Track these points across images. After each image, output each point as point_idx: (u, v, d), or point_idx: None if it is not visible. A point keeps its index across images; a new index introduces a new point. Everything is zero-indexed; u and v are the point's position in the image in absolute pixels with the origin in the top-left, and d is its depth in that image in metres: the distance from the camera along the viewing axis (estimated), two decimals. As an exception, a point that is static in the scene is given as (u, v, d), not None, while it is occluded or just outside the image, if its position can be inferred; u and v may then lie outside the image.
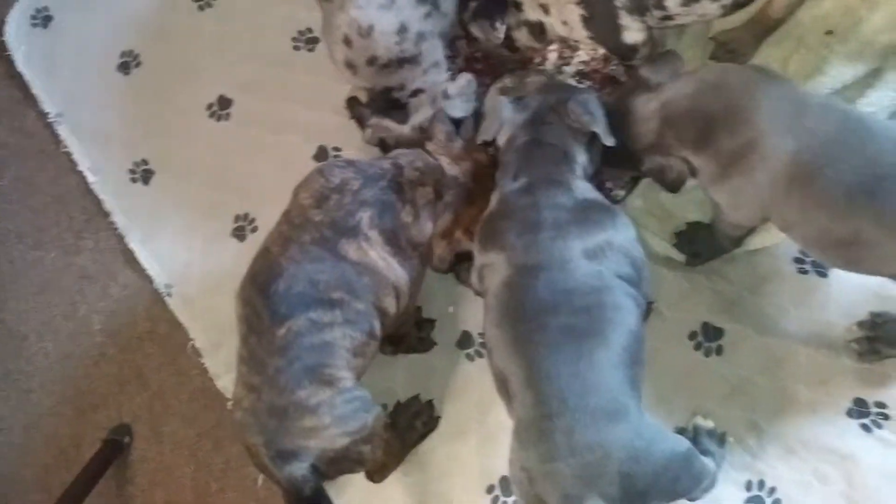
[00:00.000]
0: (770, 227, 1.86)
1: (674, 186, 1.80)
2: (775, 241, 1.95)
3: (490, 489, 1.98)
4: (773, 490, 1.85)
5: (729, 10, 1.83)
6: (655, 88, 1.77)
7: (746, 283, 1.99)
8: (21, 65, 2.67)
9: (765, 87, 1.67)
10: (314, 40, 2.44)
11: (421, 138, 2.02)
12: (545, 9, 1.91)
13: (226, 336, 2.16)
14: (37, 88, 2.64)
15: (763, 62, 2.02)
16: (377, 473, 1.92)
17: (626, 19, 1.84)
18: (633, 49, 1.90)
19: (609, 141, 1.75)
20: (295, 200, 1.87)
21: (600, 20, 1.86)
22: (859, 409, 1.86)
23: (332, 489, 1.83)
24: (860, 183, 1.54)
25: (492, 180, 1.84)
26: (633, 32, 1.87)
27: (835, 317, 1.92)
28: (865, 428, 1.85)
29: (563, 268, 1.60)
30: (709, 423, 1.87)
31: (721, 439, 1.86)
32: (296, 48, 2.47)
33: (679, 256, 2.03)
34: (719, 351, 1.97)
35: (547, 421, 1.49)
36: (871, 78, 1.97)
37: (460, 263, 1.93)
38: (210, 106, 2.49)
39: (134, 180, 2.48)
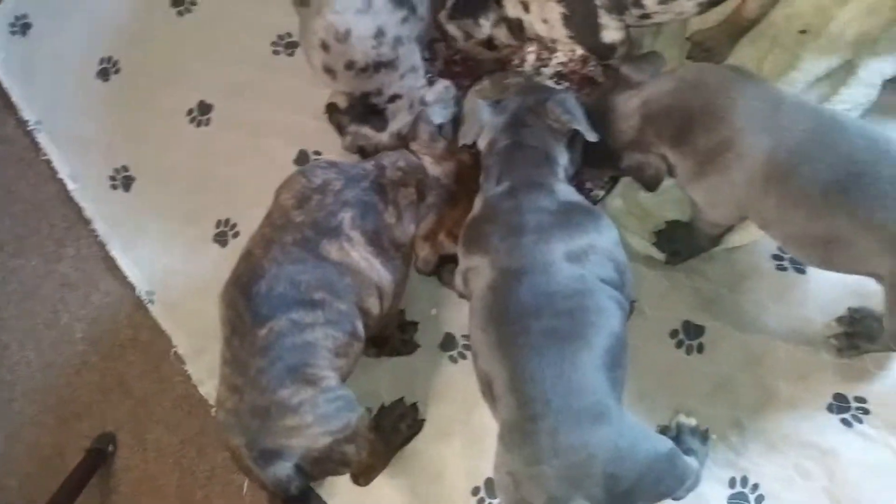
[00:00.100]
0: (748, 225, 1.87)
1: (652, 184, 1.80)
2: (754, 239, 1.95)
3: (475, 491, 1.97)
4: (756, 486, 1.84)
5: (704, 8, 1.84)
6: (636, 86, 1.77)
7: (726, 281, 1.99)
8: (0, 72, 2.64)
9: (741, 87, 1.68)
10: (294, 45, 2.42)
11: (399, 145, 2.01)
12: (525, 6, 1.90)
13: (209, 342, 2.15)
14: (16, 96, 2.61)
15: (739, 62, 2.02)
16: (363, 476, 1.90)
17: (605, 18, 1.84)
18: (611, 48, 1.89)
19: (592, 136, 1.75)
20: (277, 201, 1.86)
21: (580, 19, 1.85)
22: (839, 404, 1.86)
23: (319, 493, 1.82)
24: (835, 180, 1.55)
25: (475, 182, 1.83)
26: (611, 31, 1.87)
27: (813, 313, 1.92)
28: (846, 423, 1.84)
29: (546, 271, 1.60)
30: (691, 421, 1.86)
31: (704, 437, 1.85)
32: (275, 53, 2.45)
33: (659, 255, 2.02)
34: (700, 349, 1.96)
35: (531, 423, 1.48)
36: (845, 75, 1.98)
37: (443, 266, 1.92)
38: (190, 111, 2.46)
39: (114, 187, 2.46)
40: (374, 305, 1.84)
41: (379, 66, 1.96)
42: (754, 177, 1.62)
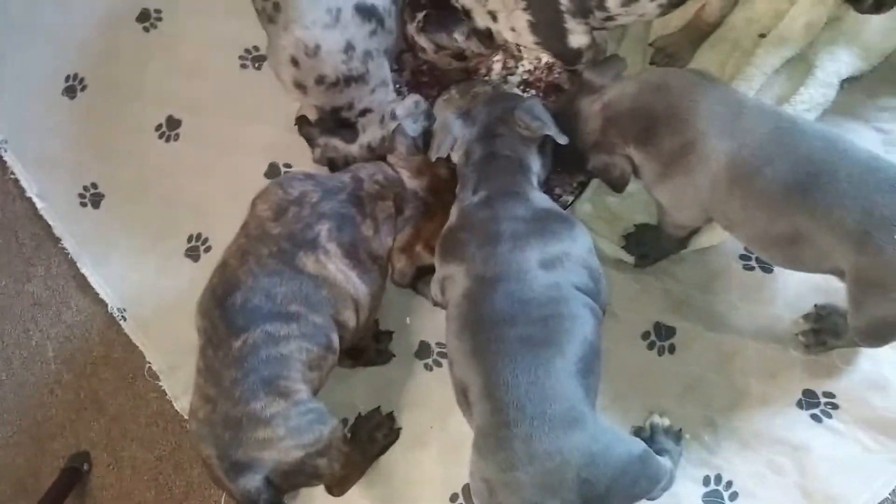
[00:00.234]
0: (715, 227, 1.87)
1: (618, 185, 1.81)
2: (721, 240, 1.96)
3: (454, 497, 1.96)
4: (730, 484, 1.85)
5: (666, 9, 1.84)
6: (599, 89, 1.78)
7: (695, 282, 1.99)
8: (-36, 93, 2.59)
9: (704, 90, 1.69)
10: (261, 58, 2.39)
11: (369, 157, 2.00)
12: (493, 16, 1.90)
13: (183, 357, 2.13)
14: (-19, 115, 2.57)
15: (701, 66, 2.03)
16: (337, 487, 1.89)
17: (570, 23, 1.84)
18: (578, 53, 1.89)
19: (562, 139, 1.75)
20: (253, 212, 1.84)
21: (546, 25, 1.85)
22: (808, 399, 1.87)
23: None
24: (796, 181, 1.57)
25: (451, 195, 1.82)
26: (577, 36, 1.87)
27: (781, 311, 1.93)
28: (815, 418, 1.85)
29: (521, 279, 1.59)
30: (665, 421, 1.86)
31: (677, 436, 1.85)
32: (243, 66, 2.42)
33: (629, 258, 2.02)
34: (672, 349, 1.96)
35: (505, 429, 1.47)
36: (803, 76, 1.99)
37: (420, 277, 1.91)
38: (159, 127, 2.43)
39: (84, 204, 2.42)
40: (350, 318, 1.82)
41: (349, 80, 1.95)
42: (718, 179, 1.63)
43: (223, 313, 1.72)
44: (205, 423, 1.70)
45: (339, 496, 1.90)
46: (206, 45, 2.47)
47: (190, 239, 2.31)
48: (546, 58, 2.13)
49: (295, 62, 1.93)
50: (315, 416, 1.73)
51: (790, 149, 1.60)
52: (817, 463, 1.82)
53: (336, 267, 1.78)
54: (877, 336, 1.68)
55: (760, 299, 1.95)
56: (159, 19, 2.54)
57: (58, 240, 2.41)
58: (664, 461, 1.65)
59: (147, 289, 2.30)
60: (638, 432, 1.86)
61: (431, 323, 2.08)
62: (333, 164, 2.07)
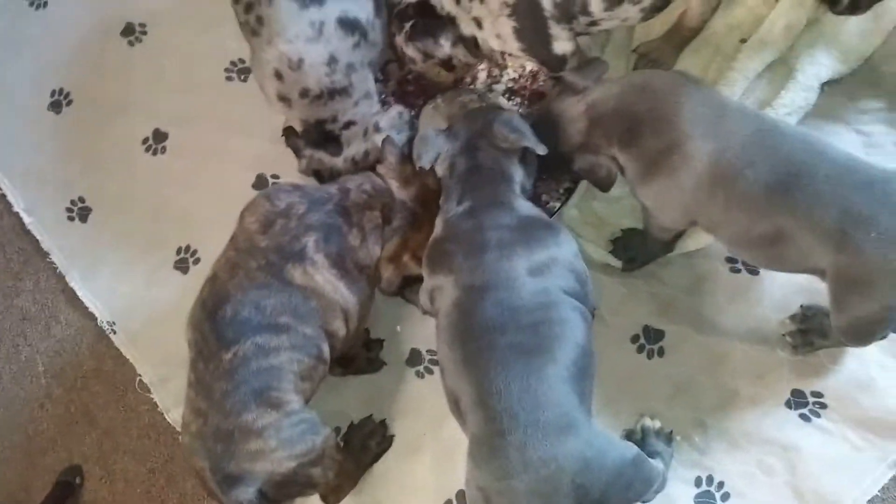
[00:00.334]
0: (701, 230, 1.86)
1: (604, 184, 1.81)
2: (708, 243, 1.95)
3: (447, 504, 1.94)
4: (721, 484, 1.84)
5: (648, 14, 1.84)
6: (581, 91, 1.78)
7: (683, 285, 1.99)
8: (-50, 109, 2.56)
9: (687, 91, 1.69)
10: (247, 70, 2.37)
11: (354, 171, 1.99)
12: (478, 23, 1.89)
13: (174, 369, 2.10)
14: (-33, 132, 2.54)
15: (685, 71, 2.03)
16: (331, 495, 1.87)
17: (555, 29, 1.83)
18: (562, 60, 1.89)
19: (541, 150, 1.75)
20: (241, 224, 1.82)
21: (531, 31, 1.84)
22: (797, 399, 1.86)
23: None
24: (777, 182, 1.57)
25: (439, 206, 1.81)
26: (562, 42, 1.86)
27: (768, 312, 1.93)
28: (804, 418, 1.85)
29: (510, 286, 1.58)
30: (656, 424, 1.86)
31: (668, 438, 1.84)
32: (229, 79, 2.40)
33: (616, 263, 2.02)
34: (661, 352, 1.96)
35: (499, 438, 1.46)
36: (784, 80, 1.99)
37: (407, 286, 1.89)
38: (145, 140, 2.41)
39: (71, 218, 2.39)
40: (339, 328, 1.81)
41: (333, 93, 1.94)
42: (701, 180, 1.63)
43: (213, 326, 1.70)
44: (197, 436, 1.69)
45: (334, 504, 1.88)
46: (191, 58, 2.45)
47: (179, 251, 2.29)
48: (530, 66, 2.13)
49: (279, 76, 1.92)
50: (307, 426, 1.71)
51: (771, 150, 1.60)
52: (807, 462, 1.81)
53: (324, 278, 1.76)
54: (860, 334, 1.68)
55: (747, 301, 1.94)
56: (144, 33, 2.52)
57: (46, 254, 2.39)
58: (656, 464, 1.64)
59: (136, 301, 2.27)
60: (629, 435, 1.85)
61: (422, 330, 2.06)
62: (319, 176, 2.05)
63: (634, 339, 1.98)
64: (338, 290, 1.78)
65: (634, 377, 1.94)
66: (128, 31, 2.53)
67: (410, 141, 2.04)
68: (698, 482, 1.85)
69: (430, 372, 2.04)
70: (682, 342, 1.95)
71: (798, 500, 1.80)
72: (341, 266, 1.79)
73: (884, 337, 1.75)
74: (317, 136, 2.02)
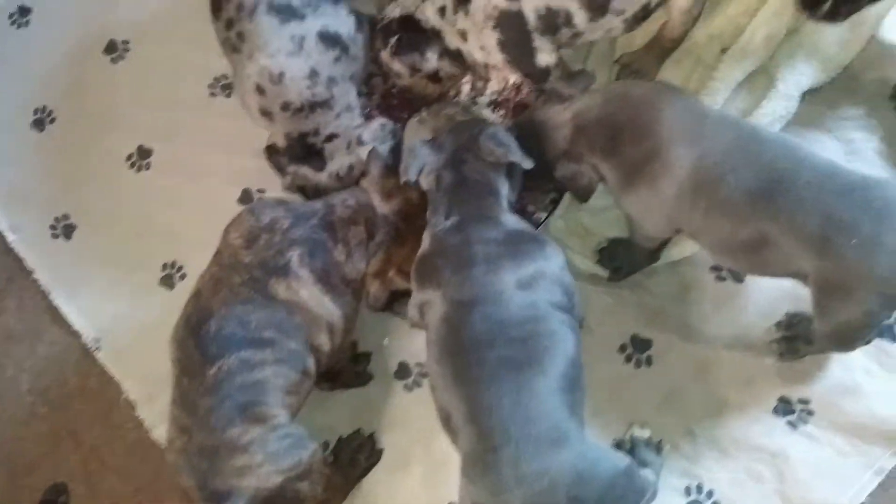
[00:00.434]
0: (686, 239, 1.87)
1: (584, 193, 1.81)
2: (693, 252, 1.94)
3: (437, 517, 1.91)
4: (711, 493, 1.82)
5: (631, 25, 1.84)
6: (567, 100, 1.79)
7: (669, 294, 1.98)
8: (-68, 127, 2.52)
9: (667, 100, 1.70)
10: (230, 86, 2.35)
11: (338, 186, 1.98)
12: (463, 35, 1.89)
13: (160, 386, 2.04)
14: (-51, 150, 2.50)
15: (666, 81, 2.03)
16: (321, 510, 1.84)
17: (538, 41, 1.83)
18: (546, 71, 1.88)
19: (527, 164, 1.74)
20: (225, 240, 1.80)
21: (515, 43, 1.84)
22: (784, 406, 1.85)
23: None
24: (759, 187, 1.57)
25: (423, 219, 1.79)
26: (545, 54, 1.86)
27: (754, 319, 1.92)
28: (792, 425, 1.84)
29: (498, 301, 1.56)
30: (645, 433, 1.84)
31: (658, 448, 1.83)
32: (212, 95, 2.38)
33: (602, 273, 2.01)
34: (649, 361, 1.94)
35: (492, 453, 1.44)
36: (766, 89, 1.99)
37: (394, 300, 1.87)
38: (130, 157, 2.38)
39: (55, 236, 2.36)
40: (324, 343, 1.79)
41: (314, 105, 1.93)
42: (683, 187, 1.63)
43: (197, 342, 1.68)
44: (182, 453, 1.66)
45: (322, 520, 1.84)
46: (174, 75, 2.43)
47: (164, 267, 2.26)
48: (514, 78, 2.12)
49: (260, 90, 1.91)
50: (294, 441, 1.69)
51: (753, 157, 1.60)
52: (795, 469, 1.80)
53: (308, 293, 1.74)
54: (844, 340, 1.68)
55: (733, 309, 1.94)
56: (127, 50, 2.50)
57: (30, 272, 2.35)
58: (648, 474, 1.63)
59: (122, 318, 2.24)
60: (619, 445, 1.84)
61: (410, 343, 2.04)
62: (303, 192, 2.03)
63: (622, 348, 1.96)
64: (322, 305, 1.76)
65: (623, 387, 1.92)
66: (110, 48, 2.51)
67: (393, 152, 2.04)
68: (688, 491, 1.83)
69: (419, 385, 2.01)
70: (669, 351, 1.93)
71: (787, 507, 1.79)
72: (326, 281, 1.77)
73: (868, 342, 1.76)
74: (299, 151, 2.00)
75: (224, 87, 2.37)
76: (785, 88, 1.98)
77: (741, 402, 1.86)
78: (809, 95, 2.00)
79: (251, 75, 1.91)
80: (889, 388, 1.82)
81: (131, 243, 2.30)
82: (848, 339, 1.68)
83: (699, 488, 1.83)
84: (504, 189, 1.77)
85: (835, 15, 1.73)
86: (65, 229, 2.36)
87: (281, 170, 2.05)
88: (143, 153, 2.38)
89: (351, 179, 2.00)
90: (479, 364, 1.51)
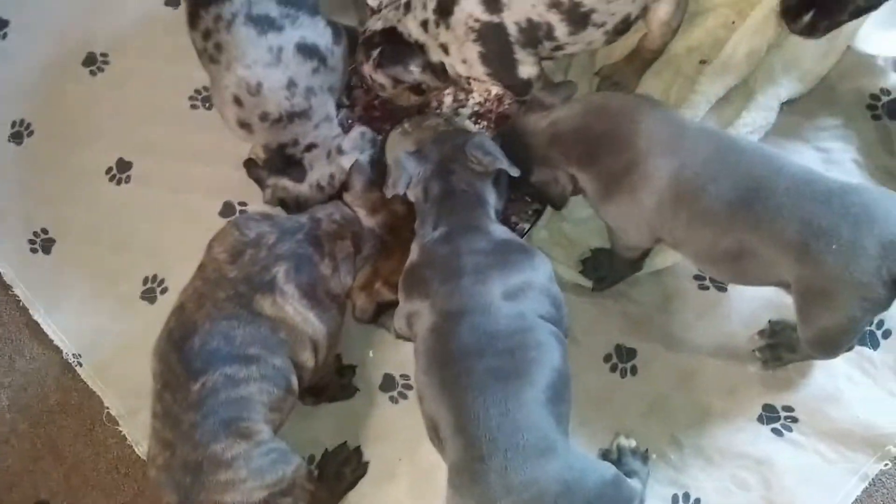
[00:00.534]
0: (668, 248, 1.86)
1: (558, 201, 1.81)
2: (675, 261, 1.95)
3: (425, 529, 1.89)
4: (697, 501, 1.82)
5: (611, 37, 1.85)
6: (548, 108, 1.78)
7: (652, 303, 1.98)
8: None
9: (645, 111, 1.70)
10: (211, 98, 2.32)
11: (320, 196, 1.97)
12: (445, 48, 1.88)
13: (143, 401, 1.99)
14: (-75, 165, 2.45)
15: (647, 93, 2.03)
16: (306, 525, 1.81)
17: (520, 53, 1.83)
18: (527, 84, 1.89)
19: (514, 172, 1.73)
20: (209, 254, 1.77)
21: (496, 56, 1.84)
22: (769, 414, 1.85)
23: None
24: (738, 197, 1.57)
25: (409, 231, 1.78)
26: (527, 67, 1.86)
27: (737, 328, 1.92)
28: (776, 432, 1.84)
29: (486, 311, 1.55)
30: (631, 443, 1.83)
31: (644, 457, 1.82)
32: (193, 107, 2.36)
33: (586, 283, 2.00)
34: (634, 371, 1.94)
35: (480, 463, 1.43)
36: (746, 100, 2.00)
37: (381, 313, 1.86)
38: (109, 170, 2.35)
39: (34, 250, 2.31)
40: (308, 359, 1.76)
41: (293, 116, 1.92)
42: (663, 198, 1.63)
43: (181, 357, 1.66)
44: (164, 468, 1.64)
45: (307, 534, 1.82)
46: (155, 87, 2.41)
47: (145, 281, 2.22)
48: (496, 90, 2.11)
49: (238, 101, 1.90)
50: (277, 456, 1.66)
51: (732, 166, 1.60)
52: (781, 476, 1.80)
53: (294, 308, 1.72)
54: (827, 346, 1.68)
55: (716, 317, 1.94)
56: (106, 63, 2.47)
57: (9, 287, 2.30)
58: (634, 483, 1.61)
59: (103, 333, 2.20)
60: (605, 455, 1.82)
61: (394, 355, 2.02)
62: (285, 205, 2.01)
63: (607, 358, 1.95)
64: (307, 321, 1.74)
65: (608, 396, 1.92)
66: (90, 60, 2.47)
67: (375, 165, 2.03)
68: (675, 500, 1.82)
69: (405, 397, 2.00)
70: (654, 360, 1.93)
71: (773, 514, 1.79)
72: (312, 296, 1.75)
73: (850, 348, 1.77)
74: (279, 162, 1.99)
75: (205, 99, 2.34)
76: (764, 99, 2.00)
77: (726, 410, 1.86)
78: (788, 106, 2.02)
79: (229, 86, 1.90)
80: (871, 395, 1.83)
81: (112, 257, 2.27)
82: (831, 346, 1.68)
83: (686, 497, 1.82)
84: (491, 199, 1.76)
85: (814, 29, 1.75)
86: (44, 243, 2.32)
87: (261, 183, 2.03)
88: (123, 166, 2.34)
89: (332, 189, 1.99)
90: (466, 374, 1.49)
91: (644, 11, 1.86)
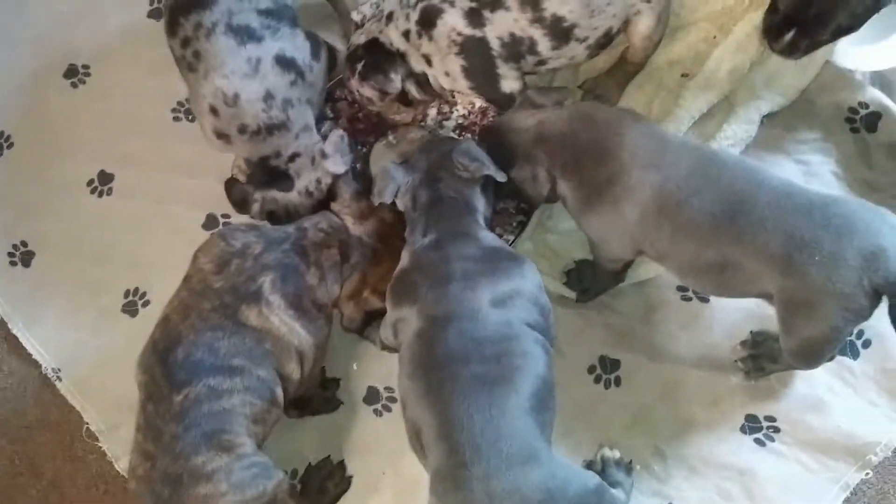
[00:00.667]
0: (651, 260, 1.88)
1: (534, 199, 1.83)
2: (658, 272, 1.97)
3: (408, 542, 1.90)
4: (682, 511, 1.84)
5: (593, 51, 1.88)
6: (538, 107, 1.81)
7: (636, 314, 2.00)
8: None
9: (629, 125, 1.73)
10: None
11: (311, 202, 1.97)
12: (428, 60, 1.90)
13: (123, 415, 2.02)
14: None
15: (628, 106, 2.06)
16: (286, 541, 1.81)
17: (503, 68, 1.86)
18: (510, 98, 1.91)
19: (501, 177, 1.75)
20: (195, 265, 1.77)
21: (479, 70, 1.86)
22: (751, 424, 1.87)
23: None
24: (722, 210, 1.60)
25: (397, 239, 1.79)
26: (510, 81, 1.88)
27: (719, 339, 1.94)
28: (759, 442, 1.86)
29: (474, 317, 1.57)
30: (615, 454, 1.85)
31: (628, 468, 1.83)
32: (176, 119, 2.36)
33: (571, 294, 2.02)
34: (618, 382, 1.95)
35: (462, 470, 1.44)
36: (727, 114, 2.04)
37: (369, 323, 1.86)
38: (90, 182, 2.34)
39: (13, 263, 2.30)
40: (293, 371, 1.77)
41: (271, 128, 1.91)
42: (647, 210, 1.66)
43: (165, 368, 1.66)
44: (144, 480, 1.63)
45: (289, 550, 1.82)
46: (137, 99, 2.40)
47: (127, 294, 2.21)
48: (480, 102, 2.13)
49: (214, 111, 1.90)
50: (259, 470, 1.66)
51: (714, 180, 1.63)
52: (763, 486, 1.82)
53: (279, 319, 1.73)
54: (809, 356, 1.70)
55: (699, 328, 1.96)
56: (87, 74, 2.46)
57: (-14, 301, 2.29)
58: (618, 493, 1.63)
59: (83, 347, 2.19)
60: (589, 465, 1.84)
61: (378, 368, 2.02)
62: (274, 218, 2.00)
63: (591, 369, 1.97)
64: (293, 332, 1.74)
65: (593, 407, 1.93)
66: (71, 72, 2.47)
67: (358, 176, 2.04)
68: (659, 510, 1.84)
69: (389, 410, 2.00)
70: (637, 371, 1.95)
71: (757, 524, 1.81)
72: (298, 306, 1.75)
73: (832, 358, 1.79)
74: (262, 176, 1.98)
75: (188, 111, 2.35)
76: (745, 112, 2.03)
77: (709, 421, 1.88)
78: (768, 119, 2.06)
79: (206, 95, 1.89)
80: (852, 404, 1.86)
81: (92, 270, 2.25)
82: (814, 356, 1.70)
83: (670, 507, 1.84)
84: (480, 205, 1.78)
85: (794, 49, 1.79)
86: (23, 256, 2.31)
87: (245, 202, 2.01)
88: (105, 178, 2.34)
89: (321, 193, 1.98)
90: (452, 379, 1.50)
91: (625, 25, 1.89)
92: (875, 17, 1.73)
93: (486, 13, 1.79)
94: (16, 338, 2.23)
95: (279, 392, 1.74)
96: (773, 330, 1.83)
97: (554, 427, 1.59)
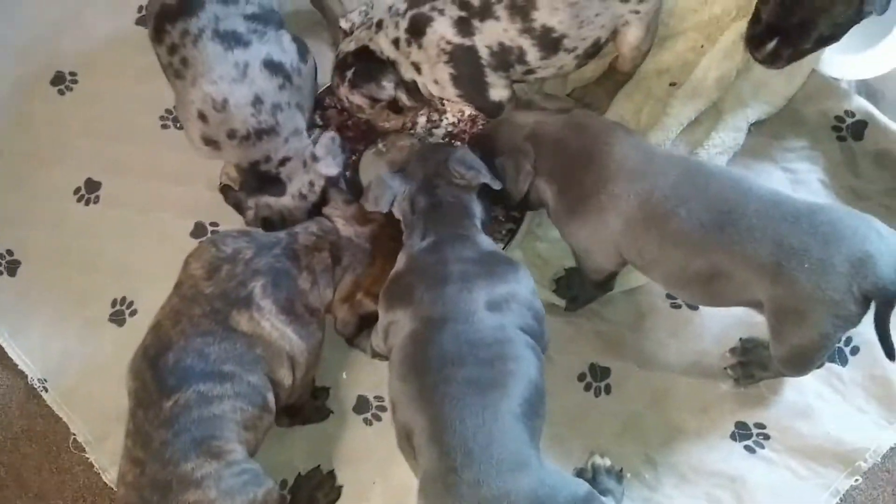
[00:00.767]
0: (639, 268, 1.90)
1: (515, 191, 1.83)
2: (648, 280, 1.97)
3: (399, 552, 1.90)
4: (672, 519, 1.85)
5: (582, 61, 1.90)
6: (539, 110, 1.84)
7: (626, 322, 2.01)
8: None
9: (619, 137, 1.75)
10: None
11: (305, 206, 1.97)
12: (417, 68, 1.91)
13: (110, 426, 2.02)
14: None
15: (618, 115, 2.09)
16: (276, 550, 1.80)
17: (491, 77, 1.87)
18: (499, 106, 1.92)
19: (497, 185, 1.78)
20: (186, 271, 1.78)
21: (468, 78, 1.88)
22: (741, 431, 1.89)
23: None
24: (710, 219, 1.62)
25: (389, 239, 1.80)
26: (498, 89, 1.90)
27: (709, 346, 1.96)
28: (749, 449, 1.88)
29: (468, 320, 1.57)
30: (606, 461, 1.86)
31: (619, 476, 1.84)
32: (164, 127, 2.36)
33: (560, 302, 2.03)
34: (608, 390, 1.96)
35: (452, 474, 1.44)
36: (715, 121, 2.06)
37: (363, 327, 1.86)
38: (77, 190, 2.33)
39: (-1, 273, 2.30)
40: (285, 376, 1.77)
41: (261, 133, 1.92)
42: (631, 220, 1.67)
43: (154, 374, 1.66)
44: (132, 486, 1.62)
45: (279, 561, 1.81)
46: (125, 106, 2.40)
47: (114, 303, 2.21)
48: (469, 110, 2.15)
49: (203, 117, 1.90)
50: (249, 478, 1.65)
51: (702, 189, 1.65)
52: (754, 493, 1.84)
53: (271, 324, 1.73)
54: (799, 363, 1.72)
55: (688, 336, 1.98)
56: (75, 82, 2.46)
57: (-29, 311, 2.27)
58: (608, 501, 1.64)
59: (70, 357, 2.17)
60: (580, 474, 1.85)
61: (368, 377, 2.03)
62: (269, 224, 2.00)
63: (581, 377, 1.98)
64: (285, 337, 1.75)
65: (583, 415, 1.94)
66: (58, 80, 2.46)
67: (348, 183, 2.05)
68: (650, 518, 1.85)
69: (378, 419, 2.01)
70: (627, 378, 1.96)
71: (747, 531, 1.82)
72: (290, 311, 1.75)
73: (821, 365, 1.81)
74: (253, 181, 1.99)
75: (176, 119, 2.34)
76: (733, 120, 2.06)
77: (699, 428, 1.90)
78: (756, 127, 2.09)
79: (194, 101, 1.89)
80: (841, 411, 1.88)
81: (79, 279, 2.24)
82: (803, 363, 1.72)
83: (661, 515, 1.85)
84: (478, 210, 1.80)
85: (777, 58, 1.81)
86: (9, 265, 2.29)
87: (240, 206, 2.03)
88: (92, 186, 2.33)
89: (314, 196, 1.99)
90: (445, 382, 1.51)
91: (614, 35, 1.91)
92: (860, 26, 1.77)
93: (476, 22, 1.81)
94: (1, 347, 2.22)
95: (271, 398, 1.74)
96: (762, 337, 1.85)
97: (544, 434, 1.60)
